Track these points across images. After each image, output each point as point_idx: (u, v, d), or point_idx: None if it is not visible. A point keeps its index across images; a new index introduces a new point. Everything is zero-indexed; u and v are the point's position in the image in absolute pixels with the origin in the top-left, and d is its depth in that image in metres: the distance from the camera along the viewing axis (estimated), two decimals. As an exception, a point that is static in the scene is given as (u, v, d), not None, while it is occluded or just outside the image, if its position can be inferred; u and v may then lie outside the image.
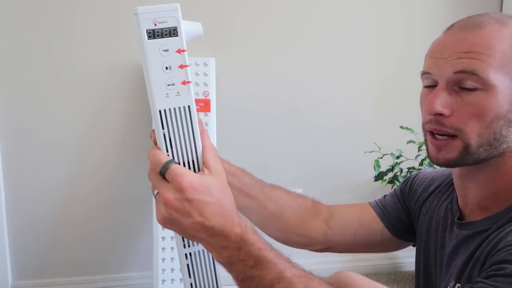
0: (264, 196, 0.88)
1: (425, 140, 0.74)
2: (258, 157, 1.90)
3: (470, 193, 0.74)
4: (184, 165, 0.64)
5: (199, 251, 0.68)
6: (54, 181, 1.81)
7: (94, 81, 1.77)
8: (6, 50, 1.70)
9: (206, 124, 1.71)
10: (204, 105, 1.72)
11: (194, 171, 0.65)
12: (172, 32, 0.61)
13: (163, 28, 0.61)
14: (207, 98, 1.72)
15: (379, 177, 1.84)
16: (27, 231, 1.83)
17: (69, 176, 1.83)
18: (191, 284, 0.68)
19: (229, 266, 0.62)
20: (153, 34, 0.61)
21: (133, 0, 1.70)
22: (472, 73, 0.65)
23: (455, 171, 0.76)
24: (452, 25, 0.71)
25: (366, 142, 1.91)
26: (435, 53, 0.70)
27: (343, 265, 1.95)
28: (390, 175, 1.85)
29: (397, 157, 1.84)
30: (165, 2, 0.61)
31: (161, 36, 0.61)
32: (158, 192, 0.62)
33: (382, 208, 0.93)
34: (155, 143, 0.69)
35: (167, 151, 0.63)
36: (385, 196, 0.97)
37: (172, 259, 1.68)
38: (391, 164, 1.85)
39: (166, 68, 0.62)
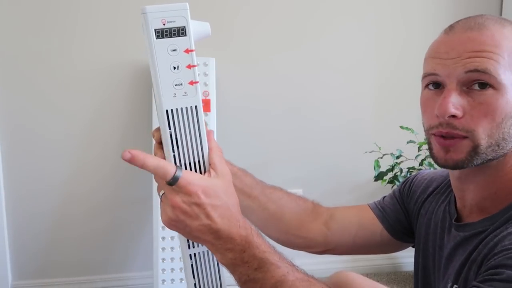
0: (265, 197, 0.88)
1: (429, 143, 0.72)
2: (258, 157, 1.91)
3: (469, 195, 0.73)
4: (190, 166, 0.64)
5: (203, 252, 0.68)
6: (54, 181, 1.81)
7: (94, 80, 1.77)
8: (6, 49, 1.71)
9: (206, 124, 1.71)
10: (204, 105, 1.70)
11: (200, 172, 0.65)
12: (181, 31, 0.61)
13: (172, 28, 0.60)
14: (207, 98, 1.72)
15: (379, 177, 1.84)
16: (27, 231, 1.83)
17: (69, 176, 1.83)
18: (194, 284, 0.68)
19: (233, 268, 0.63)
20: (161, 34, 0.60)
21: (132, 0, 1.72)
22: (485, 72, 0.64)
23: (454, 173, 0.75)
24: (452, 26, 0.71)
25: (366, 142, 1.91)
26: (441, 53, 0.69)
27: (343, 265, 1.95)
28: (390, 175, 1.85)
29: (397, 157, 1.84)
30: (165, 3, 0.61)
31: (169, 36, 0.60)
32: (164, 193, 0.62)
33: (381, 210, 0.93)
34: (159, 143, 0.69)
35: (173, 151, 0.63)
36: (384, 197, 0.97)
37: (172, 259, 1.68)
38: (391, 164, 1.85)
39: (174, 68, 0.61)
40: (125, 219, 1.88)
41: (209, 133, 0.66)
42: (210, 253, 0.68)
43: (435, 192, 0.86)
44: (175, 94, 0.62)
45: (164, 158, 0.65)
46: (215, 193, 0.61)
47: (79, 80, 1.76)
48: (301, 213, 0.92)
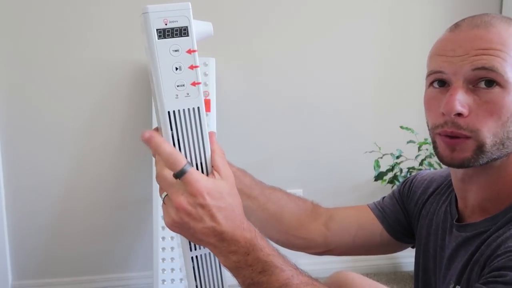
0: (264, 198, 0.88)
1: (434, 142, 0.71)
2: (258, 157, 1.90)
3: (471, 195, 0.73)
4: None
5: (205, 254, 0.67)
6: (54, 181, 1.81)
7: (95, 79, 1.77)
8: (6, 49, 1.70)
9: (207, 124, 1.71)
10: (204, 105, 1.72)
11: (202, 173, 0.64)
12: (183, 31, 0.60)
13: (174, 28, 0.59)
14: (207, 98, 1.72)
15: (379, 177, 1.84)
16: (27, 231, 1.83)
17: (69, 176, 1.83)
18: (196, 286, 0.67)
19: (236, 271, 0.62)
20: (163, 34, 0.59)
21: (132, 0, 1.72)
22: (492, 70, 0.64)
23: (456, 174, 0.75)
24: (457, 24, 0.70)
25: (366, 142, 1.91)
26: (447, 51, 0.68)
27: (343, 265, 1.94)
28: (390, 175, 1.85)
29: (397, 157, 1.84)
30: (165, 3, 0.61)
31: (171, 36, 0.59)
32: (167, 195, 0.61)
33: (381, 211, 0.93)
34: None
35: None
36: (383, 198, 0.97)
37: (172, 259, 1.68)
38: (391, 164, 1.85)
39: (176, 68, 0.60)
40: (125, 219, 1.88)
41: (211, 134, 0.65)
42: (212, 255, 0.67)
43: (435, 193, 0.86)
44: (177, 95, 0.61)
45: None
46: (220, 194, 0.60)
47: (79, 80, 1.76)
48: (301, 214, 0.92)
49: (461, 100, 0.65)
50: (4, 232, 1.80)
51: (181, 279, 1.69)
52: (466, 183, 0.73)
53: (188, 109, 0.62)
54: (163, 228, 1.68)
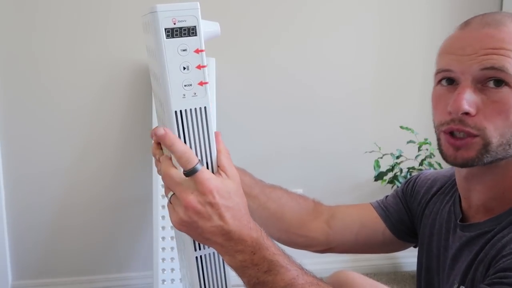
0: (265, 197, 0.88)
1: (439, 139, 0.71)
2: (258, 157, 1.91)
3: (476, 195, 0.73)
4: None
5: (209, 254, 0.67)
6: (54, 181, 1.81)
7: (94, 79, 1.77)
8: (6, 49, 1.70)
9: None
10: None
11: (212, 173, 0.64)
12: (191, 31, 0.59)
13: (182, 27, 0.59)
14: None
15: (379, 177, 1.84)
16: (27, 231, 1.83)
17: (69, 176, 1.83)
18: (200, 286, 0.67)
19: (242, 270, 0.62)
20: (171, 33, 0.59)
21: (132, 1, 1.72)
22: (501, 70, 0.63)
23: (461, 173, 0.74)
24: (467, 22, 0.69)
25: (366, 142, 1.91)
26: (456, 49, 0.67)
27: (343, 265, 1.95)
28: (390, 175, 1.85)
29: (397, 157, 1.84)
30: (163, 2, 0.60)
31: (179, 36, 0.59)
32: (174, 195, 0.61)
33: (384, 209, 0.93)
34: (157, 143, 0.68)
35: None
36: (386, 197, 0.97)
37: (172, 259, 1.68)
38: (391, 164, 1.85)
39: (184, 68, 0.60)
40: (125, 219, 1.88)
41: (217, 134, 0.65)
42: (216, 255, 0.67)
43: (439, 192, 0.86)
44: (184, 95, 0.61)
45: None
46: (228, 194, 0.60)
47: (79, 80, 1.76)
48: (302, 212, 0.92)
49: (468, 99, 0.65)
50: (4, 232, 1.80)
51: (181, 279, 1.69)
52: (470, 182, 0.73)
53: (195, 109, 0.61)
54: (163, 228, 1.68)
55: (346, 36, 1.90)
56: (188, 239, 0.65)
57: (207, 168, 0.64)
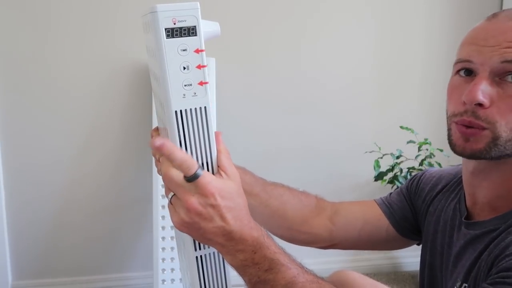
0: (266, 194, 0.88)
1: (449, 129, 0.70)
2: (257, 157, 1.91)
3: (481, 192, 0.72)
4: None
5: (209, 254, 0.67)
6: (54, 181, 1.81)
7: (94, 81, 1.77)
8: (6, 51, 1.71)
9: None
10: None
11: (212, 174, 0.64)
12: (191, 31, 0.60)
13: (182, 27, 0.59)
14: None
15: (379, 177, 1.84)
16: (27, 231, 1.83)
17: (69, 176, 1.83)
18: (200, 286, 0.67)
19: (243, 269, 0.62)
20: (171, 33, 0.59)
21: (131, 1, 1.72)
22: None
23: (468, 167, 0.74)
24: (495, 14, 0.68)
25: (366, 142, 1.92)
26: (479, 40, 0.66)
27: (343, 265, 1.95)
28: (390, 175, 1.85)
29: (397, 157, 1.84)
30: (163, 3, 0.60)
31: (180, 35, 0.59)
32: (175, 195, 0.61)
33: (388, 206, 0.93)
34: None
35: None
36: (390, 194, 0.96)
37: (172, 259, 1.68)
38: (391, 164, 1.85)
39: (184, 68, 0.60)
40: (125, 219, 1.88)
41: (217, 134, 0.65)
42: (217, 255, 0.67)
43: (444, 190, 0.85)
44: (184, 94, 0.61)
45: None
46: (230, 195, 0.60)
47: (79, 79, 1.76)
48: (304, 209, 0.92)
49: (484, 91, 0.64)
50: (4, 232, 1.80)
51: (181, 279, 1.69)
52: (476, 178, 0.72)
53: (195, 109, 0.62)
54: (163, 228, 1.68)
55: (346, 36, 1.90)
56: (188, 239, 0.65)
57: (207, 168, 0.64)
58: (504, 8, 1.94)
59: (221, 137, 0.65)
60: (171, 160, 0.59)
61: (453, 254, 0.75)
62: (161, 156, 0.69)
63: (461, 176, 0.79)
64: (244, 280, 0.63)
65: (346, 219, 0.92)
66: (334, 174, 1.99)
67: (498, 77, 0.65)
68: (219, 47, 1.78)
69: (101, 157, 1.83)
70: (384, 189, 1.79)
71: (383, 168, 1.85)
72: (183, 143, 0.62)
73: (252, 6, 1.82)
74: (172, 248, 1.68)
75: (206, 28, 0.62)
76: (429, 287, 0.85)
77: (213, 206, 0.59)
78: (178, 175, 0.60)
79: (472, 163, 0.72)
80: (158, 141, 0.59)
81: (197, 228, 0.60)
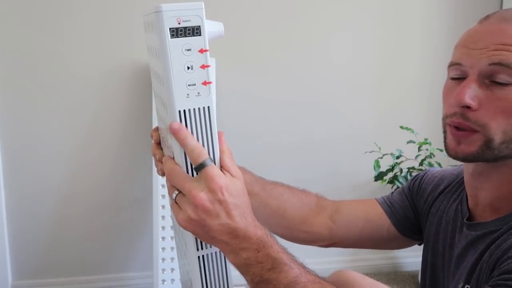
0: (266, 194, 0.88)
1: (444, 132, 0.71)
2: (257, 157, 1.91)
3: (483, 193, 0.72)
4: None
5: (211, 253, 0.67)
6: (54, 181, 1.82)
7: (94, 80, 1.77)
8: (6, 51, 1.71)
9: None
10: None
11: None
12: (196, 31, 0.60)
13: (187, 27, 0.59)
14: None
15: (379, 177, 1.84)
16: (27, 231, 1.83)
17: (69, 176, 1.83)
18: (202, 286, 0.67)
19: (246, 268, 0.62)
20: (176, 33, 0.59)
21: (131, 1, 1.72)
22: (509, 67, 0.62)
23: (468, 169, 0.74)
24: (488, 16, 0.68)
25: (366, 142, 1.91)
26: (469, 43, 0.66)
27: (343, 265, 1.95)
28: (390, 175, 1.85)
29: (397, 157, 1.84)
30: (163, 2, 0.60)
31: (184, 35, 0.59)
32: (180, 193, 0.61)
33: (389, 205, 0.92)
34: (157, 143, 0.68)
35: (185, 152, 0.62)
36: (392, 193, 0.96)
37: (172, 259, 1.68)
38: (391, 164, 1.85)
39: (188, 68, 0.60)
40: (125, 219, 1.88)
41: (220, 134, 0.65)
42: (219, 254, 0.67)
43: (446, 191, 0.85)
44: (188, 94, 0.61)
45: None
46: (236, 192, 0.61)
47: (79, 80, 1.76)
48: (304, 208, 0.92)
49: (471, 93, 0.64)
50: (4, 232, 1.80)
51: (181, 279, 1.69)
52: (477, 180, 0.72)
53: (199, 108, 0.62)
54: (163, 228, 1.68)
55: (346, 36, 1.90)
56: (190, 239, 0.65)
57: None
58: (504, 8, 1.94)
59: (224, 137, 0.66)
60: (184, 144, 0.60)
61: (455, 255, 0.75)
62: (161, 155, 0.69)
63: (463, 177, 0.79)
64: (246, 280, 0.63)
65: (347, 217, 0.92)
66: (334, 174, 1.99)
67: (488, 79, 0.65)
68: (220, 47, 1.78)
69: (100, 157, 1.83)
70: (384, 189, 1.79)
71: (383, 168, 1.85)
72: None
73: (253, 6, 1.82)
74: (172, 248, 1.68)
75: (210, 28, 0.62)
76: None
77: (221, 202, 0.59)
78: (184, 171, 0.60)
79: (471, 166, 0.72)
80: (177, 124, 0.60)
81: (203, 226, 0.60)
